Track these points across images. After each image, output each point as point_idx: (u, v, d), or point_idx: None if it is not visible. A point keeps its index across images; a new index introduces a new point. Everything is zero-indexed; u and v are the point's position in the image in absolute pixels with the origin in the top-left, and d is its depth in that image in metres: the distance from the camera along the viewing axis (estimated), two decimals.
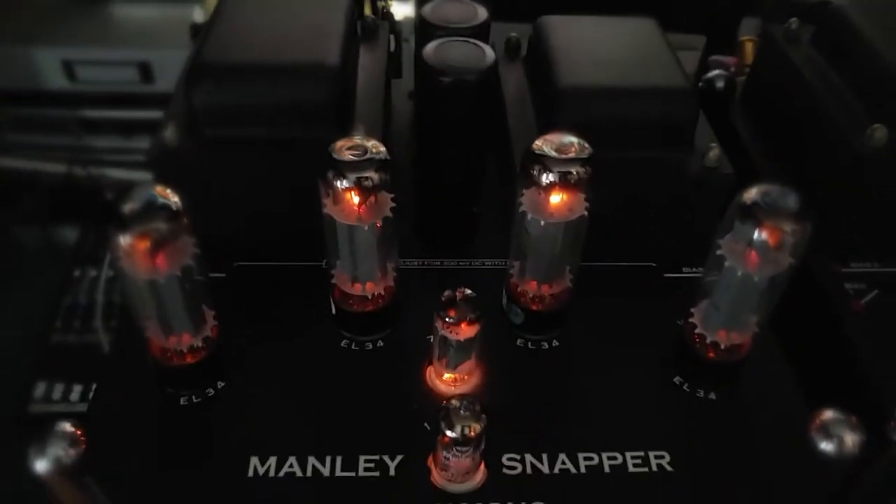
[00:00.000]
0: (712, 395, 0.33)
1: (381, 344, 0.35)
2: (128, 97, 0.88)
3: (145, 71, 0.88)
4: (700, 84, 0.51)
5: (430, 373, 0.34)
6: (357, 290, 0.34)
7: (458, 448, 0.28)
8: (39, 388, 0.58)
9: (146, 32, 0.90)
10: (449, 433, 0.28)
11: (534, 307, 0.35)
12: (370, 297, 0.34)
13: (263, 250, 0.39)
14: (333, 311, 0.35)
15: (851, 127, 0.39)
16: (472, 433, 0.28)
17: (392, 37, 0.48)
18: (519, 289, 0.35)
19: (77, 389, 0.58)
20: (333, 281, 0.34)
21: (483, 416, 0.28)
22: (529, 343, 0.35)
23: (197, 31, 0.48)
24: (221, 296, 0.34)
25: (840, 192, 0.39)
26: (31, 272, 0.72)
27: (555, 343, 0.36)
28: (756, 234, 0.29)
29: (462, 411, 0.28)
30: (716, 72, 0.51)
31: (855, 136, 0.38)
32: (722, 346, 0.32)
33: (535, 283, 0.34)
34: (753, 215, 0.29)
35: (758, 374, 0.34)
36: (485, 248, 0.40)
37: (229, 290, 0.37)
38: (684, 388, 0.34)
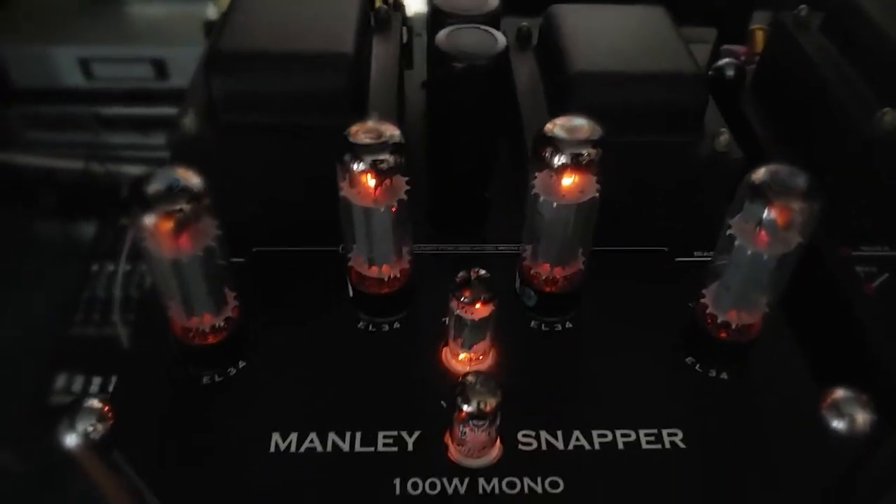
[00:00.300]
0: (724, 375, 0.34)
1: (398, 326, 0.36)
2: (143, 94, 0.90)
3: (160, 68, 0.89)
4: (710, 73, 0.51)
5: (446, 353, 0.34)
6: (373, 272, 0.35)
7: (475, 422, 0.29)
8: (60, 380, 0.59)
9: (161, 30, 0.91)
10: (465, 407, 0.29)
11: (547, 289, 0.35)
12: (386, 279, 0.35)
13: (281, 236, 0.40)
14: (350, 293, 0.36)
15: (861, 112, 0.39)
16: (488, 408, 0.29)
17: (404, 28, 0.49)
18: (532, 271, 0.36)
19: (96, 381, 0.59)
20: (350, 264, 0.35)
21: (498, 391, 0.29)
22: (543, 325, 0.36)
23: (211, 28, 0.49)
24: (240, 280, 0.34)
25: (850, 176, 0.40)
26: (49, 267, 0.73)
27: (568, 325, 0.36)
28: (765, 213, 0.29)
29: (478, 386, 0.29)
30: (725, 60, 0.51)
31: (864, 122, 0.39)
32: (733, 326, 0.33)
33: (547, 265, 0.35)
34: (763, 194, 0.29)
35: (768, 354, 0.34)
36: (497, 233, 0.41)
37: (248, 275, 0.38)
38: (696, 368, 0.34)
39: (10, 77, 0.88)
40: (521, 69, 0.45)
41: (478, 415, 0.29)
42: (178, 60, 0.86)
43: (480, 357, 0.34)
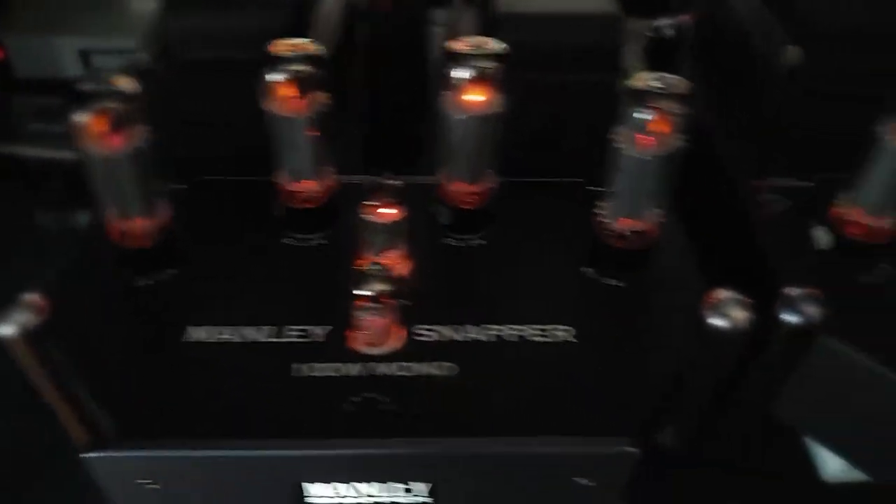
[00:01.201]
0: (621, 283, 0.36)
1: (324, 242, 0.38)
2: None
3: None
4: (648, 34, 0.54)
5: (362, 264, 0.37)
6: (297, 187, 0.37)
7: (371, 305, 0.31)
8: None
9: None
10: (362, 292, 0.31)
11: (459, 206, 0.38)
12: (309, 194, 0.37)
13: (226, 166, 0.42)
14: (278, 210, 0.39)
15: (773, 53, 0.42)
16: (383, 292, 0.31)
17: None
18: (446, 189, 0.38)
19: None
20: (277, 180, 0.38)
21: (392, 277, 0.31)
22: (457, 242, 0.38)
23: None
24: (182, 204, 0.37)
25: (763, 113, 0.42)
26: (51, 253, 0.76)
27: (481, 242, 0.38)
28: (643, 115, 0.31)
29: (373, 273, 0.31)
30: (664, 21, 0.54)
31: (775, 60, 0.41)
32: (626, 234, 0.35)
33: (459, 182, 0.37)
34: (640, 98, 0.31)
35: (667, 264, 0.36)
36: (430, 166, 0.43)
37: (189, 200, 0.40)
38: (595, 277, 0.36)
39: (13, 67, 0.92)
40: (464, 25, 0.48)
41: (374, 298, 0.31)
42: None
43: (394, 266, 0.36)
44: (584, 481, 0.30)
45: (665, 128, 0.32)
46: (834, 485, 0.40)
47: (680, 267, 0.37)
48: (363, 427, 0.30)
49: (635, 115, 0.32)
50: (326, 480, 0.31)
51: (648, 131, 0.32)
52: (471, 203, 0.38)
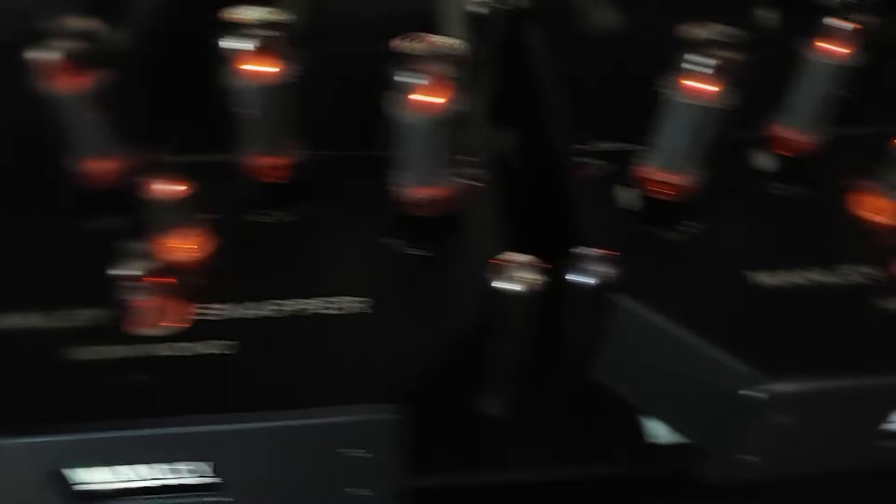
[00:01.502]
0: (422, 252, 0.35)
1: (123, 224, 0.37)
2: None
3: None
4: (501, 6, 0.53)
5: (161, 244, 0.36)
6: (87, 168, 0.36)
7: (136, 285, 0.30)
8: None
9: None
10: (121, 272, 0.30)
11: (262, 181, 0.37)
12: (101, 175, 0.36)
13: (18, 150, 0.41)
14: (71, 194, 0.37)
15: (592, 18, 0.41)
16: (144, 271, 0.30)
17: None
18: (246, 164, 0.37)
19: None
20: (68, 163, 0.36)
21: (153, 256, 0.30)
22: (259, 217, 0.37)
23: None
24: None
25: (581, 76, 0.42)
26: None
27: (286, 217, 0.37)
28: (413, 79, 0.31)
29: (136, 252, 0.30)
30: None
31: (594, 25, 0.41)
32: (422, 201, 0.34)
33: (259, 155, 0.36)
34: (411, 61, 0.31)
35: (473, 229, 0.36)
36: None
37: None
38: (399, 247, 0.36)
39: None
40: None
41: (133, 277, 0.30)
42: None
43: (189, 246, 0.35)
44: (359, 452, 0.30)
45: (436, 91, 0.31)
46: (660, 447, 0.40)
47: (486, 233, 0.36)
48: (131, 409, 0.29)
49: (403, 78, 0.31)
50: (91, 465, 0.30)
51: (418, 95, 0.31)
52: (273, 177, 0.37)
